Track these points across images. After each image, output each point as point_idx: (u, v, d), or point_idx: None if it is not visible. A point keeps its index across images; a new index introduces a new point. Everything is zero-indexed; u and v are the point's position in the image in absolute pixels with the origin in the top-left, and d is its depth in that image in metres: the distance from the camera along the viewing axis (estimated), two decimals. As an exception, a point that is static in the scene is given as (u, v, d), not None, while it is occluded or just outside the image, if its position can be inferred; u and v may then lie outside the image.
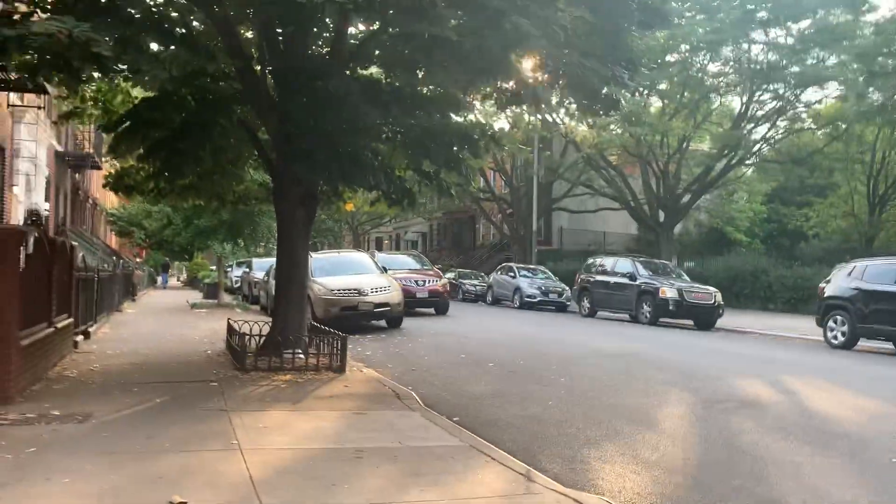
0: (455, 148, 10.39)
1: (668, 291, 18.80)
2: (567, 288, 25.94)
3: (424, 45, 8.25)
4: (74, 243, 10.56)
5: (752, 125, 30.16)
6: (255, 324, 11.40)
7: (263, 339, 10.11)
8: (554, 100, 13.62)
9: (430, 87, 10.25)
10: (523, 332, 16.26)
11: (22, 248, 7.24)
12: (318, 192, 10.43)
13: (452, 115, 10.59)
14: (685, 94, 29.04)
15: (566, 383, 9.21)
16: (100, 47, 5.46)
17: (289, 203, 10.04)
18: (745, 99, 29.67)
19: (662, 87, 29.50)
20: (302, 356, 9.51)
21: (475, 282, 31.70)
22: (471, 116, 11.17)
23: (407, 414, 7.09)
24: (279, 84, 9.15)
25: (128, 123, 9.63)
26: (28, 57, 6.51)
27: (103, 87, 11.83)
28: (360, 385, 8.57)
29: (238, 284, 32.64)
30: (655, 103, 30.95)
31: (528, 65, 9.22)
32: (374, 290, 15.64)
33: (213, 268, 40.90)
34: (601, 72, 9.02)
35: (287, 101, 9.07)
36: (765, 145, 31.58)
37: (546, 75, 9.55)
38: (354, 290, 15.48)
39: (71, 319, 10.50)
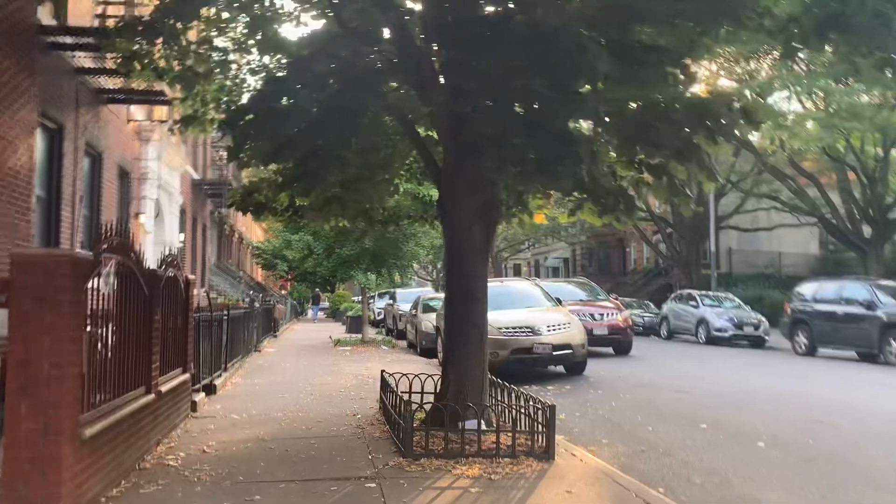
0: (687, 129, 7.24)
1: (929, 324, 14.46)
2: (764, 319, 21.72)
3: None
4: (190, 276, 8.25)
5: None
6: (416, 377, 8.68)
7: (431, 403, 7.34)
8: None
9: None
10: (748, 381, 12.60)
11: (93, 283, 4.82)
12: (500, 200, 7.59)
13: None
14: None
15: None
16: None
17: (461, 217, 7.25)
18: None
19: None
20: (486, 428, 6.63)
21: (640, 311, 27.87)
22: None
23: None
24: (447, 39, 6.37)
25: (251, 116, 7.21)
26: None
27: (227, 84, 9.66)
28: (586, 488, 5.52)
29: (381, 317, 30.62)
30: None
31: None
32: (550, 327, 12.58)
33: (355, 299, 39.43)
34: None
35: (459, 64, 6.28)
36: None
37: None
38: (527, 328, 12.49)
39: (187, 375, 8.19)
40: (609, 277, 51.19)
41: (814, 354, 17.51)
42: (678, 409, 9.36)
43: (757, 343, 21.16)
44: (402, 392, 7.73)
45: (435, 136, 8.37)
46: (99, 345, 5.06)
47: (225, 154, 24.80)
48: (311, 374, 12.97)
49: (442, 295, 20.16)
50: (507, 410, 7.15)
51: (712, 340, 21.47)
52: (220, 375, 10.89)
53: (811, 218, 34.77)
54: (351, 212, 8.88)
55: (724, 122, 7.33)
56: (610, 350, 16.75)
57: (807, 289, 18.80)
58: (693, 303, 23.38)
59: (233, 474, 5.67)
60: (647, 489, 5.45)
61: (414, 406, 6.72)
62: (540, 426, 6.48)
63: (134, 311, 5.97)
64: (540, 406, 6.61)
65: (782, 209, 34.77)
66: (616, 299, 20.14)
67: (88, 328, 4.77)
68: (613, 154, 7.73)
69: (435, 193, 10.92)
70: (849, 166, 26.23)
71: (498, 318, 12.75)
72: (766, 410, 9.27)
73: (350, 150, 7.33)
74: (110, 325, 5.40)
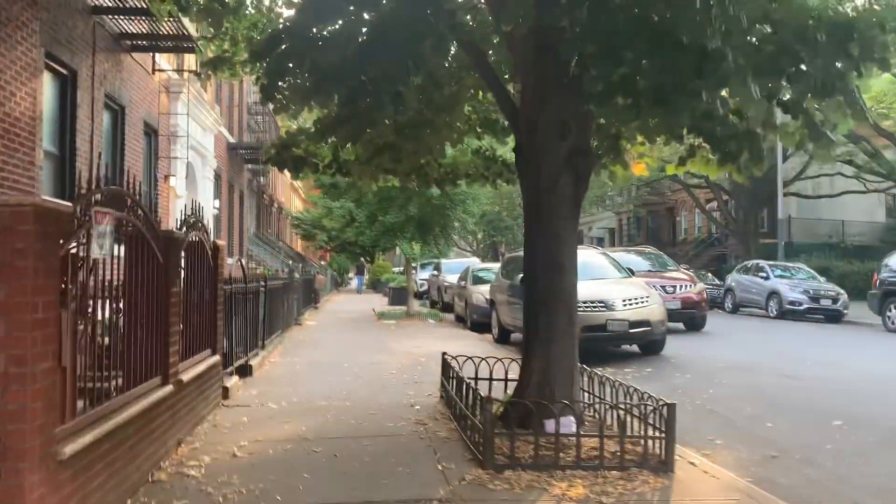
0: (829, 56, 5.68)
1: None
2: (842, 291, 19.93)
3: None
4: (219, 242, 7.01)
5: None
6: (483, 361, 7.37)
7: (509, 396, 6.04)
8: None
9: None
10: (855, 363, 11.01)
11: (79, 245, 3.58)
12: (590, 146, 6.16)
13: None
14: None
15: None
16: None
17: (546, 167, 5.87)
18: None
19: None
20: (585, 431, 5.30)
21: (701, 283, 26.16)
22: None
23: None
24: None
25: (287, 44, 5.86)
26: None
27: (260, 20, 8.35)
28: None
29: (424, 288, 29.40)
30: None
31: None
32: (626, 302, 11.13)
33: (396, 269, 38.26)
34: None
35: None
36: None
37: None
38: (599, 302, 11.05)
39: (217, 356, 6.99)
40: (658, 248, 49.19)
41: (908, 331, 15.77)
42: (793, 399, 7.90)
43: (834, 317, 19.41)
44: (467, 378, 6.44)
45: (502, 71, 6.97)
46: (90, 328, 3.82)
47: (261, 119, 23.62)
48: (357, 351, 11.76)
49: (493, 266, 18.88)
50: (604, 408, 5.77)
51: (786, 314, 19.76)
52: (256, 354, 9.73)
53: (880, 184, 32.48)
54: (405, 166, 7.53)
55: (874, 42, 5.75)
56: (680, 326, 15.22)
57: (899, 258, 16.99)
58: (762, 274, 21.63)
59: (268, 492, 4.42)
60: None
61: (492, 403, 5.39)
62: (654, 430, 5.12)
63: (144, 282, 4.73)
64: (654, 404, 5.25)
65: (847, 175, 32.55)
66: (688, 270, 18.53)
67: (73, 306, 3.52)
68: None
69: (499, 147, 9.53)
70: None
71: (564, 290, 11.34)
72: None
73: (407, 85, 5.92)
74: (109, 302, 4.16)
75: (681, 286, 15.17)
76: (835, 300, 19.63)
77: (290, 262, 22.64)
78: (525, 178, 6.15)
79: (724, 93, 5.50)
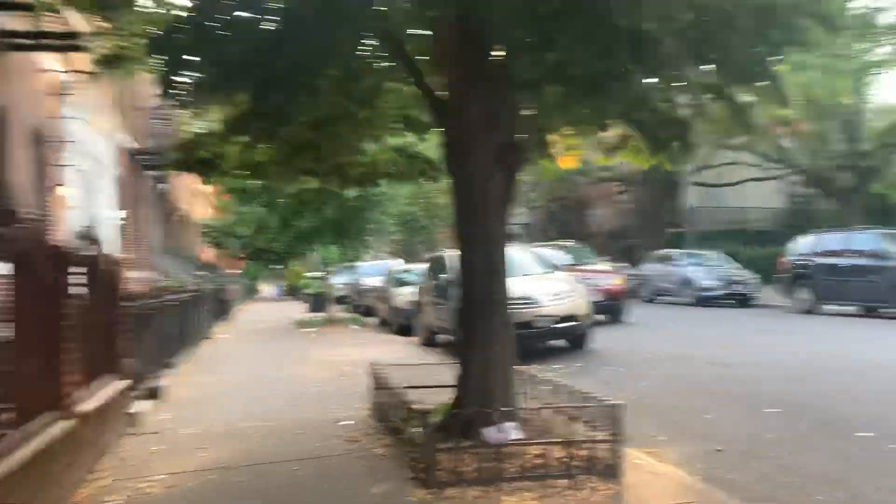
0: (752, 40, 5.62)
1: (952, 274, 13.36)
2: (751, 276, 20.61)
3: None
4: (120, 255, 6.38)
5: None
6: (413, 370, 7.01)
7: (446, 405, 5.70)
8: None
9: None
10: (777, 346, 11.26)
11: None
12: (522, 140, 5.90)
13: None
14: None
15: None
16: None
17: (478, 163, 5.56)
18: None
19: None
20: (528, 437, 5.03)
21: (616, 275, 26.59)
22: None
23: None
24: None
25: (186, 35, 5.32)
26: None
27: (158, 13, 7.68)
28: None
29: (343, 293, 28.69)
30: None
31: None
32: (553, 297, 10.99)
33: (311, 274, 37.30)
34: None
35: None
36: None
37: None
38: (525, 299, 10.82)
39: (122, 382, 6.36)
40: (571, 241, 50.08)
41: (816, 311, 16.36)
42: (724, 388, 7.90)
43: (746, 302, 20.03)
44: (399, 388, 6.09)
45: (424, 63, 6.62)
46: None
47: (163, 123, 22.41)
48: (276, 364, 11.17)
49: (414, 267, 18.50)
50: (548, 412, 5.52)
51: (700, 301, 20.28)
52: (166, 375, 9.03)
53: (778, 171, 33.91)
54: (326, 165, 7.09)
55: (794, 26, 5.70)
56: (604, 318, 15.27)
57: (805, 242, 17.65)
58: (675, 262, 22.17)
59: (187, 536, 3.93)
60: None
61: (428, 414, 5.05)
62: (600, 432, 4.89)
63: (29, 305, 4.13)
64: (597, 404, 5.02)
65: (748, 164, 33.86)
66: (608, 261, 18.71)
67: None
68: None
69: (419, 144, 9.16)
70: (827, 112, 25.12)
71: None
72: (831, 383, 7.89)
73: (324, 76, 5.50)
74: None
75: (603, 278, 15.24)
76: (746, 285, 20.27)
77: (200, 272, 21.63)
78: (454, 175, 5.81)
79: (655, 80, 5.37)
